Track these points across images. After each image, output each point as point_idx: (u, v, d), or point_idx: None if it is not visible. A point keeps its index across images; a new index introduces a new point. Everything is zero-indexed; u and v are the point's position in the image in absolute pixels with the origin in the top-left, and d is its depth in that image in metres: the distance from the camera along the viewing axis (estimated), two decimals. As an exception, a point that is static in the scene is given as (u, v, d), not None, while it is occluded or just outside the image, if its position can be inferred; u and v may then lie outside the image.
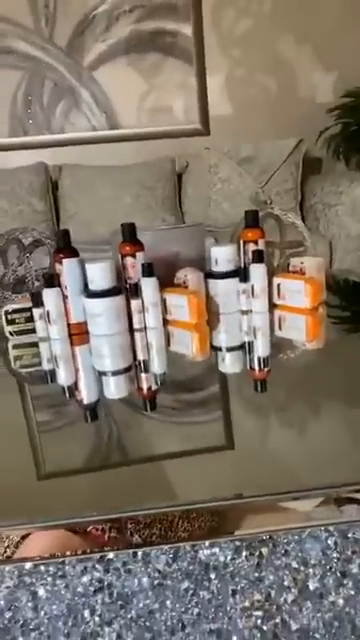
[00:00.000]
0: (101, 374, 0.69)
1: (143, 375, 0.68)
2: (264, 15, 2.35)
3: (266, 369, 0.67)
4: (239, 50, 2.39)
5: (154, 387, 0.65)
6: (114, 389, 0.66)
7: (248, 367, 0.69)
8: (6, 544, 0.59)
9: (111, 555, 0.33)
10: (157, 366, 0.69)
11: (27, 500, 0.42)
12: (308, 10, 2.35)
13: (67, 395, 0.65)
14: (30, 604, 0.32)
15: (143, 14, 2.29)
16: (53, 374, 0.70)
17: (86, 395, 0.66)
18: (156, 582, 0.33)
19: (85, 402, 0.64)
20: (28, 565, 0.33)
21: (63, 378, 0.69)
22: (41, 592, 0.33)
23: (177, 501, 0.41)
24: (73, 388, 0.67)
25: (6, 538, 0.59)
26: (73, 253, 0.76)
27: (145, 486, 0.42)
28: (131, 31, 2.30)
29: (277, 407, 0.58)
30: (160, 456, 0.49)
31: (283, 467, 0.43)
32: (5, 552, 0.58)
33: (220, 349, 0.75)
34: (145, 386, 0.65)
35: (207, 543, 0.34)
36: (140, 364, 0.70)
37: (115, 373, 0.69)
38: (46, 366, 0.73)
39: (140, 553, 0.33)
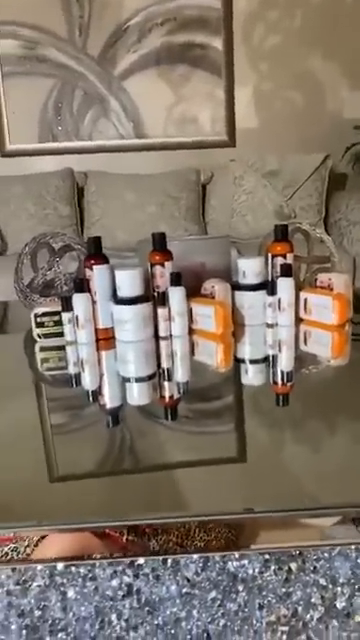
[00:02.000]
0: (125, 380, 0.70)
1: (166, 383, 0.68)
2: (293, 31, 2.37)
3: (289, 384, 0.66)
4: (268, 64, 2.41)
5: (176, 396, 0.65)
6: (137, 395, 0.67)
7: (271, 381, 0.69)
8: (26, 543, 0.60)
9: (141, 561, 0.33)
10: (180, 375, 0.69)
11: (39, 501, 0.42)
12: (336, 27, 2.36)
13: (91, 399, 0.65)
14: (59, 604, 0.33)
15: (174, 27, 2.33)
16: (78, 378, 0.70)
17: (109, 400, 0.66)
18: (184, 590, 0.33)
19: (108, 407, 0.64)
20: (60, 565, 0.33)
21: (88, 382, 0.69)
22: (71, 593, 0.33)
23: (186, 511, 0.40)
24: (97, 392, 0.67)
25: (26, 537, 0.59)
26: (104, 260, 0.77)
27: (156, 494, 0.42)
28: (162, 43, 2.34)
29: (294, 421, 0.57)
30: (172, 465, 0.49)
31: (296, 483, 0.42)
32: (25, 551, 0.59)
33: (244, 361, 0.75)
34: (167, 394, 0.66)
35: (237, 554, 0.34)
36: (164, 372, 0.71)
37: (139, 380, 0.70)
38: (72, 370, 0.74)
39: (170, 560, 0.34)
